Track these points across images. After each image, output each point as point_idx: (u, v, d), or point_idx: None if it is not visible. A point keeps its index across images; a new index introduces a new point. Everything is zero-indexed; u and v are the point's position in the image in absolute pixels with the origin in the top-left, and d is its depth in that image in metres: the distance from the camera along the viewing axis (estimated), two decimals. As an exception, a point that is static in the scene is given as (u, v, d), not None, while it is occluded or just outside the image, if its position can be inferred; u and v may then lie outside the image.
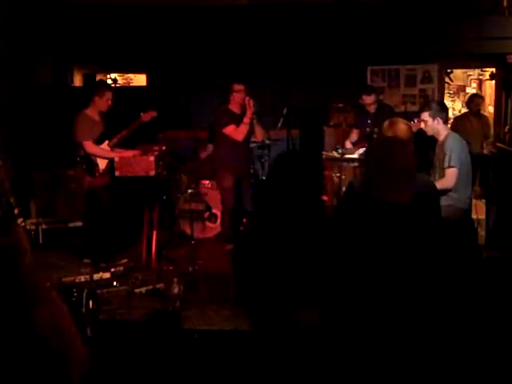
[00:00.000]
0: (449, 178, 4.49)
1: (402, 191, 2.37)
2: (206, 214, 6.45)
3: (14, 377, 1.74)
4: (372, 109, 6.21)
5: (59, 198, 6.61)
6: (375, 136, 5.81)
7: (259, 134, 5.94)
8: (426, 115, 4.69)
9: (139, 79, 9.22)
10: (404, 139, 3.13)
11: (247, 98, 5.61)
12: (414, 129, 4.42)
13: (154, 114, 5.80)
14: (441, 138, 4.68)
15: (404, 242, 2.27)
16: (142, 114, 5.77)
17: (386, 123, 3.26)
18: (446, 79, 8.58)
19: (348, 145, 6.35)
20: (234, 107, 5.80)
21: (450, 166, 4.48)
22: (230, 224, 5.95)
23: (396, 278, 2.25)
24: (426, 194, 2.97)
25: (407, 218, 2.33)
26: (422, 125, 4.72)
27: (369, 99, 6.15)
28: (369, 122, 6.22)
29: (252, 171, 6.70)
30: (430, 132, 4.72)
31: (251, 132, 5.85)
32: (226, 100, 5.83)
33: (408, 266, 2.26)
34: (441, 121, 4.65)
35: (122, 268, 5.36)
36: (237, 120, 5.72)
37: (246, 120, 5.64)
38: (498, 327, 3.70)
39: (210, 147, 6.95)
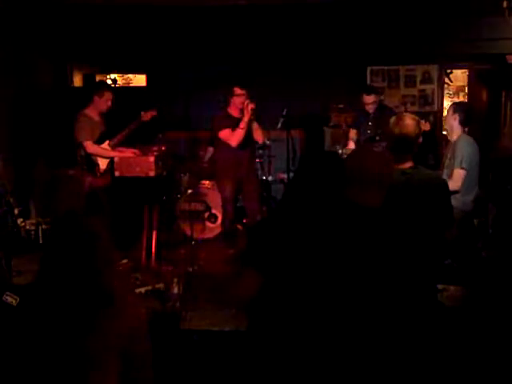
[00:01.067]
0: (456, 180, 4.49)
1: (371, 196, 2.48)
2: (206, 214, 6.45)
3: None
4: (371, 109, 6.18)
5: (59, 198, 6.61)
6: (377, 138, 5.80)
7: (259, 137, 5.73)
8: (449, 108, 4.74)
9: (139, 79, 9.22)
10: (411, 135, 3.14)
11: (246, 102, 5.43)
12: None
13: (154, 112, 5.82)
14: (453, 136, 4.69)
15: (368, 243, 2.32)
16: (142, 112, 5.79)
17: (393, 119, 3.25)
18: (446, 80, 8.58)
19: (351, 145, 6.36)
20: (233, 111, 5.61)
21: (460, 168, 4.49)
22: (232, 229, 5.89)
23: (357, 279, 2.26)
24: (434, 189, 3.02)
25: (375, 220, 2.41)
26: (427, 126, 4.76)
27: (368, 99, 6.15)
28: (369, 124, 6.22)
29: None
30: (446, 125, 4.75)
31: (249, 136, 5.63)
32: (226, 102, 5.68)
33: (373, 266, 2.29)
34: (458, 118, 4.66)
35: (122, 268, 5.36)
36: (234, 124, 5.52)
37: (242, 125, 5.43)
38: (497, 328, 3.70)
39: (211, 150, 6.97)
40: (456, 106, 4.79)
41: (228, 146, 5.55)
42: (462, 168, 4.49)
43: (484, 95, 8.32)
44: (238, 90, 5.53)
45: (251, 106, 5.39)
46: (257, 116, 5.55)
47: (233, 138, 5.49)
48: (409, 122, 3.18)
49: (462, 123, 4.71)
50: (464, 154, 4.52)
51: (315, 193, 2.34)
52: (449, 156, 4.70)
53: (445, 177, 4.60)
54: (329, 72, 7.74)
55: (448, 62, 8.17)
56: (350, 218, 2.32)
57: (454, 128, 4.69)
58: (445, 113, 7.26)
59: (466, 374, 3.20)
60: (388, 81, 8.11)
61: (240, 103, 5.49)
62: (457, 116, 4.68)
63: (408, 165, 3.11)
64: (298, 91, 7.56)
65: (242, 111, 5.49)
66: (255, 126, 5.59)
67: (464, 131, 4.77)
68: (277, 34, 7.56)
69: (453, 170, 4.54)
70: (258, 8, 7.38)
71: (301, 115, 7.46)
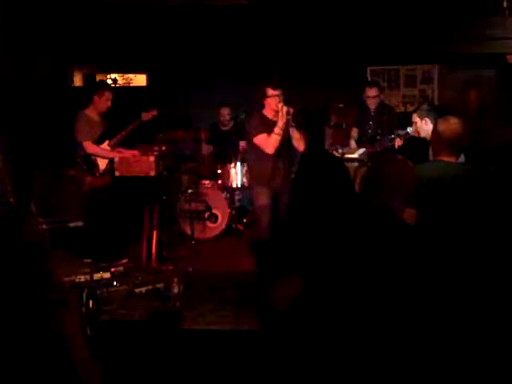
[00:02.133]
0: None
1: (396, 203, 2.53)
2: (207, 214, 6.45)
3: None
4: (372, 103, 6.16)
5: (59, 198, 6.61)
6: (378, 138, 5.80)
7: (300, 145, 5.03)
8: (414, 116, 4.72)
9: (139, 79, 9.22)
10: (455, 136, 3.19)
11: (280, 105, 4.87)
12: None
13: (154, 112, 5.81)
14: None
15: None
16: (142, 112, 5.79)
17: (439, 121, 3.39)
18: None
19: (353, 144, 6.35)
20: (269, 113, 5.02)
21: None
22: (262, 241, 5.09)
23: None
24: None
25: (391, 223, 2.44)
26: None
27: (371, 92, 6.11)
28: (370, 123, 6.22)
29: None
30: (421, 133, 4.72)
31: (287, 142, 5.01)
32: (260, 104, 5.10)
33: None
34: (429, 121, 4.64)
35: (122, 268, 5.36)
36: (271, 128, 4.92)
37: (276, 130, 4.85)
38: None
39: (209, 148, 6.98)
40: (419, 113, 4.74)
41: (264, 152, 4.98)
42: None
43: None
44: (270, 91, 4.98)
45: (286, 109, 4.87)
46: (298, 122, 5.02)
47: (268, 144, 4.92)
48: (452, 121, 3.31)
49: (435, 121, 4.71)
50: None
51: (328, 194, 2.37)
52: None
53: None
54: (329, 72, 7.74)
55: (448, 62, 8.17)
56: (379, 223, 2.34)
57: (429, 131, 4.68)
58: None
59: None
60: (388, 81, 8.11)
61: (275, 105, 4.93)
62: (426, 120, 4.67)
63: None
64: (298, 91, 7.54)
65: (277, 114, 4.93)
66: (295, 132, 4.98)
67: None
68: (277, 33, 7.56)
69: None
70: (258, 8, 7.39)
71: (301, 115, 7.46)
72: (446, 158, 3.36)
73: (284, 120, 4.84)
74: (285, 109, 4.85)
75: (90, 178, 5.65)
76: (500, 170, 5.46)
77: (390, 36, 7.52)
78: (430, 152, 4.78)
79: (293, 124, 4.91)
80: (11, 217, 2.13)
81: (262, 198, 5.09)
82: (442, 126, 3.43)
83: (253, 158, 5.20)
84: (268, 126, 4.94)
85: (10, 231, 1.98)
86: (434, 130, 3.52)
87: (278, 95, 4.95)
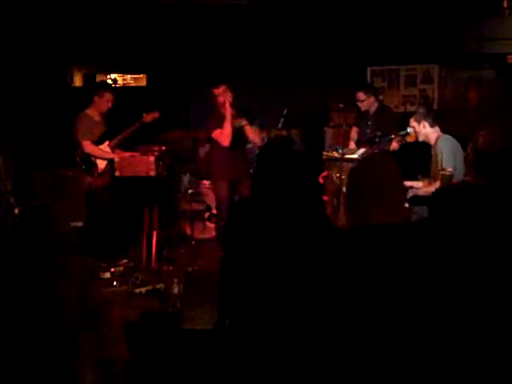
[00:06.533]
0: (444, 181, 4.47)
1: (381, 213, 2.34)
2: (207, 215, 6.45)
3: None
4: (363, 107, 6.18)
5: (59, 199, 6.61)
6: (377, 140, 5.79)
7: (255, 138, 5.72)
8: (412, 121, 4.73)
9: (139, 79, 9.22)
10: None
11: (222, 99, 5.45)
12: None
13: (156, 114, 5.80)
14: (432, 141, 4.68)
15: None
16: (144, 114, 5.77)
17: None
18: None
19: (352, 145, 6.35)
20: (221, 109, 5.56)
21: (442, 169, 4.47)
22: None
23: None
24: None
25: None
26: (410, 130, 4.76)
27: (358, 95, 6.12)
28: (369, 123, 6.21)
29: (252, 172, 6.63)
30: (419, 137, 4.73)
31: (241, 136, 5.61)
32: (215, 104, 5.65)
33: None
34: (427, 124, 4.65)
35: (121, 268, 5.37)
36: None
37: (225, 123, 5.43)
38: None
39: (208, 146, 6.96)
40: (416, 117, 4.75)
41: (221, 146, 5.52)
42: (443, 169, 4.46)
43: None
44: (215, 91, 5.52)
45: (228, 102, 5.41)
46: (248, 117, 5.55)
47: (222, 136, 5.47)
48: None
49: (432, 125, 4.69)
50: (443, 154, 4.49)
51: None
52: (434, 159, 4.68)
53: (432, 181, 4.60)
54: (329, 72, 7.74)
55: (448, 62, 8.17)
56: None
57: (428, 134, 4.68)
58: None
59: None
60: (388, 81, 8.10)
61: (221, 101, 5.48)
62: (424, 123, 4.67)
63: None
64: (298, 91, 7.55)
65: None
66: (247, 127, 5.57)
67: (439, 131, 4.75)
68: (277, 33, 7.56)
69: (438, 173, 4.51)
70: (258, 7, 7.38)
71: (301, 114, 7.46)
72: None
73: (228, 112, 5.38)
74: (227, 102, 5.38)
75: (90, 179, 5.65)
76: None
77: (390, 36, 7.51)
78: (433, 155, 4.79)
79: (244, 122, 5.48)
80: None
81: (222, 190, 5.64)
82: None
83: (212, 152, 5.79)
84: (222, 122, 5.46)
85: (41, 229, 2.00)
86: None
87: (221, 92, 5.48)
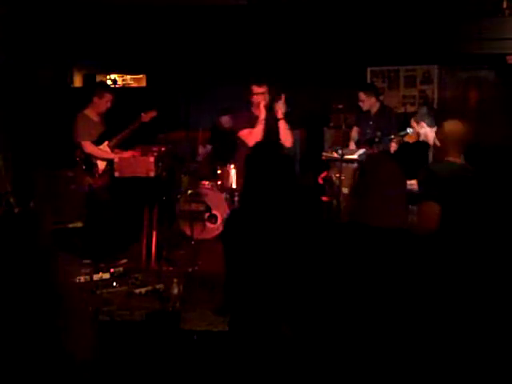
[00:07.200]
0: None
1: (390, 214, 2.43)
2: (206, 215, 6.45)
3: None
4: (364, 106, 6.19)
5: (59, 199, 6.61)
6: (377, 140, 5.79)
7: (287, 140, 5.15)
8: (412, 121, 4.74)
9: (139, 80, 9.22)
10: (461, 137, 3.39)
11: (259, 100, 5.11)
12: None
13: (154, 113, 5.81)
14: (431, 141, 4.69)
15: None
16: (142, 113, 5.78)
17: (446, 123, 3.52)
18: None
19: (352, 145, 6.35)
20: (256, 110, 5.21)
21: None
22: None
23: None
24: None
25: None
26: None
27: (361, 96, 6.14)
28: (370, 123, 6.22)
29: None
30: (420, 137, 4.74)
31: (274, 137, 5.15)
32: (249, 102, 5.29)
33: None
34: (424, 124, 4.66)
35: (121, 268, 5.37)
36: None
37: (258, 124, 5.09)
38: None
39: (209, 147, 6.96)
40: (416, 117, 4.77)
41: (247, 146, 5.04)
42: None
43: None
44: (255, 89, 5.18)
45: (263, 102, 5.10)
46: (287, 116, 5.21)
47: (250, 137, 5.06)
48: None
49: (431, 125, 4.69)
50: None
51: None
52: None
53: None
54: (329, 72, 7.74)
55: (448, 63, 8.17)
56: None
57: (427, 134, 4.69)
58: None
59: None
60: (388, 81, 8.11)
61: (259, 102, 5.14)
62: (422, 123, 4.68)
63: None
64: (298, 91, 7.54)
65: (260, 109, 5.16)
66: (283, 126, 5.17)
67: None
68: (277, 34, 7.56)
69: None
70: (258, 8, 7.39)
71: (301, 115, 7.46)
72: (452, 159, 3.38)
73: (264, 114, 5.08)
74: (263, 102, 5.08)
75: (90, 179, 5.65)
76: (500, 170, 5.46)
77: (390, 36, 7.52)
78: (431, 155, 4.80)
79: (281, 117, 5.12)
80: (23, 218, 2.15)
81: None
82: (448, 127, 3.45)
83: (237, 153, 5.39)
84: (254, 122, 5.14)
85: (22, 232, 2.01)
86: (442, 132, 3.52)
87: (263, 92, 5.15)
